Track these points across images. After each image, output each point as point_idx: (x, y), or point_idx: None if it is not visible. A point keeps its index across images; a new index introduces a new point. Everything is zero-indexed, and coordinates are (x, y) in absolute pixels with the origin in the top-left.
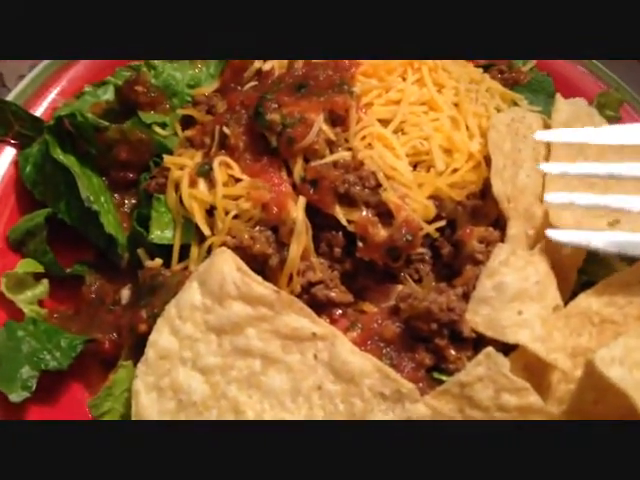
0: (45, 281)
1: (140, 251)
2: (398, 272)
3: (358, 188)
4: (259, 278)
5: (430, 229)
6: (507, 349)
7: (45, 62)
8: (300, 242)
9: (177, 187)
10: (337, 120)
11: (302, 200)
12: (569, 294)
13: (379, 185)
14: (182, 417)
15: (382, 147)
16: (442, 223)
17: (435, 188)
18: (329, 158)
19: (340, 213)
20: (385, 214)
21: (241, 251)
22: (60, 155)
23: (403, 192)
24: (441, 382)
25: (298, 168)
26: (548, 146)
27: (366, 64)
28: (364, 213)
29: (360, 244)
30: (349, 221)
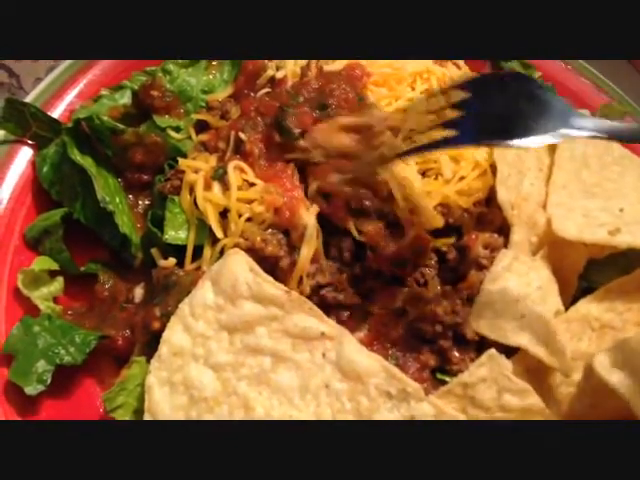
0: (60, 278)
1: (154, 251)
2: (405, 276)
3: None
4: (270, 279)
5: (439, 243)
6: (509, 352)
7: (63, 65)
8: (311, 246)
9: (192, 189)
10: None
11: (314, 207)
12: (570, 299)
13: (390, 194)
14: (193, 412)
15: None
16: (451, 240)
17: (443, 196)
18: None
19: (352, 226)
20: (395, 224)
21: (253, 253)
22: (77, 156)
23: (413, 203)
24: (445, 383)
25: (314, 186)
26: (552, 155)
27: (376, 74)
28: (375, 225)
29: (369, 254)
30: (359, 231)
